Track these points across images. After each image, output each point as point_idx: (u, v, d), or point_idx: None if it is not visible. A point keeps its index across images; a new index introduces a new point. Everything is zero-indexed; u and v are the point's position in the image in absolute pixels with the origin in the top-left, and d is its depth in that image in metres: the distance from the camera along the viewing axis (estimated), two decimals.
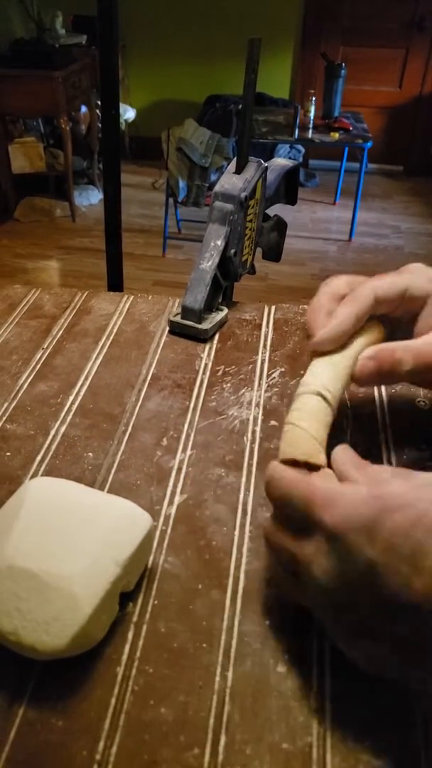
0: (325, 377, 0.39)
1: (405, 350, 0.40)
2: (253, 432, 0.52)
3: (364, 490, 0.30)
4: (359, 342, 0.42)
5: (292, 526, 0.33)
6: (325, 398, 0.38)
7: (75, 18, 3.75)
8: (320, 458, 0.36)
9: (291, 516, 0.33)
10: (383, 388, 0.57)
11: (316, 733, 0.32)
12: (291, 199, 0.76)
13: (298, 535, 0.32)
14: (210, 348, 0.63)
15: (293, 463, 0.35)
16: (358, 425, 0.52)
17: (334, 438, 0.51)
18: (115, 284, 1.17)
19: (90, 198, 3.68)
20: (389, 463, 0.49)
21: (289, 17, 3.92)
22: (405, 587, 0.27)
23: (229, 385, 0.58)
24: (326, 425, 0.38)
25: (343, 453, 0.35)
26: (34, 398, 0.55)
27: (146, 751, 0.31)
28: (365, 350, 0.41)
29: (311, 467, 0.35)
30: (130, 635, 0.36)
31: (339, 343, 0.41)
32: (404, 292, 0.42)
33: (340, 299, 0.42)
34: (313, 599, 0.33)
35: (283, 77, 4.13)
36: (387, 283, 0.42)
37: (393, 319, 0.44)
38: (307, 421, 0.37)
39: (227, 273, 0.67)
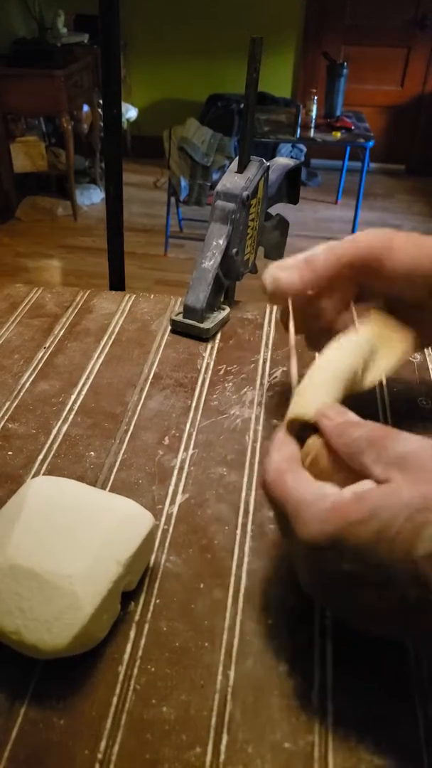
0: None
1: None
2: (255, 431, 0.52)
3: (329, 501, 0.30)
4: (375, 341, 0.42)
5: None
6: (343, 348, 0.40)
7: (77, 17, 3.74)
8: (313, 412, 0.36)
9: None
10: (385, 388, 0.57)
11: (317, 732, 0.32)
12: (293, 198, 0.76)
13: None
14: (212, 347, 0.63)
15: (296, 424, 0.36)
16: None
17: None
18: (117, 283, 1.17)
19: (92, 197, 3.67)
20: None
21: (290, 16, 3.91)
22: (380, 593, 0.29)
23: (230, 384, 0.58)
24: (341, 373, 0.39)
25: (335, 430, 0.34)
26: (36, 397, 0.55)
27: (148, 751, 0.31)
28: None
29: (307, 425, 0.36)
30: (131, 634, 0.36)
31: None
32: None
33: None
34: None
35: (285, 76, 4.12)
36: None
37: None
38: (311, 377, 0.39)
39: (229, 272, 0.67)
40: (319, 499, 0.30)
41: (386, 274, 0.43)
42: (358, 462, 0.32)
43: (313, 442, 0.35)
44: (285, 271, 0.44)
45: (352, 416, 0.35)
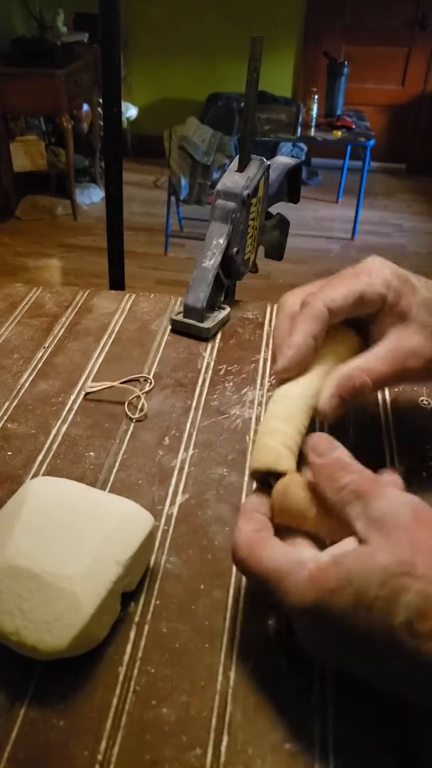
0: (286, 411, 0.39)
1: (362, 372, 0.39)
2: (255, 431, 0.52)
3: (306, 570, 0.29)
4: (328, 359, 0.41)
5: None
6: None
7: (77, 16, 3.74)
8: (282, 464, 0.36)
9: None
10: (386, 388, 0.57)
11: (318, 732, 0.32)
12: (293, 198, 0.76)
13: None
14: (212, 347, 0.63)
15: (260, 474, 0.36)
16: (361, 426, 0.52)
17: (337, 438, 0.51)
18: (117, 283, 1.17)
19: (92, 196, 3.67)
20: (391, 463, 0.49)
21: (291, 15, 3.91)
22: (367, 663, 0.29)
23: (231, 384, 0.57)
24: (299, 423, 0.38)
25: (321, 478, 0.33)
26: (36, 397, 0.55)
27: (148, 751, 0.31)
28: (326, 387, 0.40)
29: (276, 474, 0.35)
30: (131, 635, 0.36)
31: (301, 369, 0.40)
32: (359, 300, 0.41)
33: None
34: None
35: (286, 75, 4.12)
36: (340, 295, 0.40)
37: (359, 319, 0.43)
38: (275, 423, 0.37)
39: (229, 271, 0.67)
40: (297, 567, 0.30)
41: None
42: (342, 512, 0.31)
43: (283, 486, 0.34)
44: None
45: (341, 451, 0.33)
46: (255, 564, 0.31)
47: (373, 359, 0.40)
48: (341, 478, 0.31)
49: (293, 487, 0.34)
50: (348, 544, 0.30)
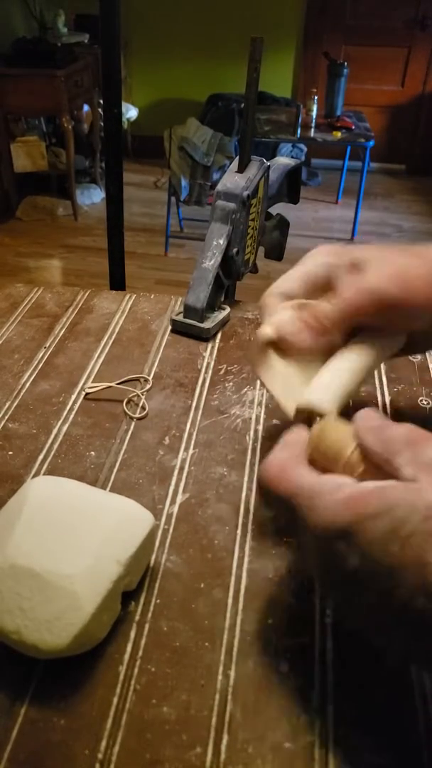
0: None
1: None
2: (256, 431, 0.52)
3: (345, 491, 0.29)
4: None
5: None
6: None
7: (77, 17, 3.74)
8: (325, 407, 0.37)
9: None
10: (385, 388, 0.57)
11: (318, 732, 0.32)
12: (293, 198, 0.76)
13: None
14: (212, 347, 0.63)
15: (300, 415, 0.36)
16: None
17: None
18: (118, 283, 1.17)
19: (92, 197, 3.67)
20: None
21: (291, 16, 3.91)
22: (386, 596, 0.27)
23: (231, 384, 0.58)
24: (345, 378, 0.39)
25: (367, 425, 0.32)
26: (36, 397, 0.55)
27: (148, 750, 0.31)
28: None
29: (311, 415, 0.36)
30: (132, 634, 0.36)
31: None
32: (310, 276, 0.42)
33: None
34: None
35: (286, 76, 4.12)
36: (287, 280, 0.43)
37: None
38: (330, 366, 0.39)
39: (229, 272, 0.67)
40: (335, 488, 0.29)
41: (407, 313, 0.41)
42: (389, 462, 0.30)
43: (322, 425, 0.34)
44: (290, 327, 0.41)
45: (389, 420, 0.32)
46: (285, 483, 0.31)
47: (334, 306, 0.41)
48: (390, 430, 0.31)
49: (331, 428, 0.33)
50: (392, 481, 0.29)
